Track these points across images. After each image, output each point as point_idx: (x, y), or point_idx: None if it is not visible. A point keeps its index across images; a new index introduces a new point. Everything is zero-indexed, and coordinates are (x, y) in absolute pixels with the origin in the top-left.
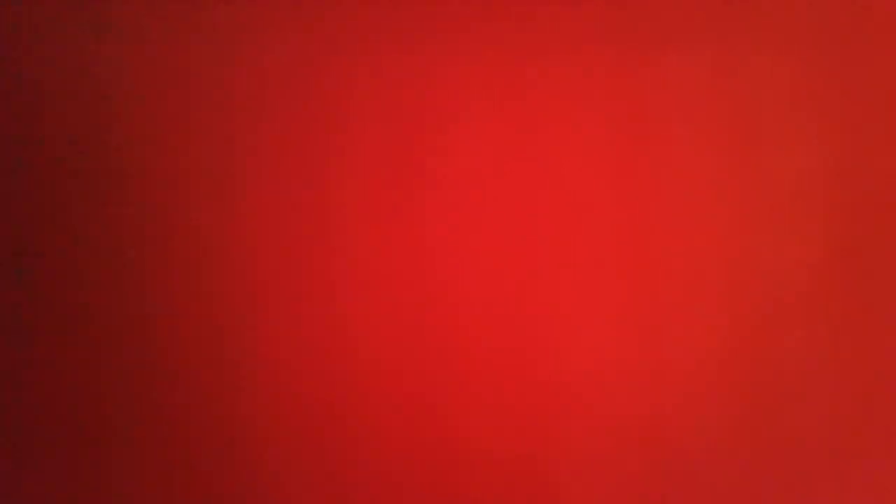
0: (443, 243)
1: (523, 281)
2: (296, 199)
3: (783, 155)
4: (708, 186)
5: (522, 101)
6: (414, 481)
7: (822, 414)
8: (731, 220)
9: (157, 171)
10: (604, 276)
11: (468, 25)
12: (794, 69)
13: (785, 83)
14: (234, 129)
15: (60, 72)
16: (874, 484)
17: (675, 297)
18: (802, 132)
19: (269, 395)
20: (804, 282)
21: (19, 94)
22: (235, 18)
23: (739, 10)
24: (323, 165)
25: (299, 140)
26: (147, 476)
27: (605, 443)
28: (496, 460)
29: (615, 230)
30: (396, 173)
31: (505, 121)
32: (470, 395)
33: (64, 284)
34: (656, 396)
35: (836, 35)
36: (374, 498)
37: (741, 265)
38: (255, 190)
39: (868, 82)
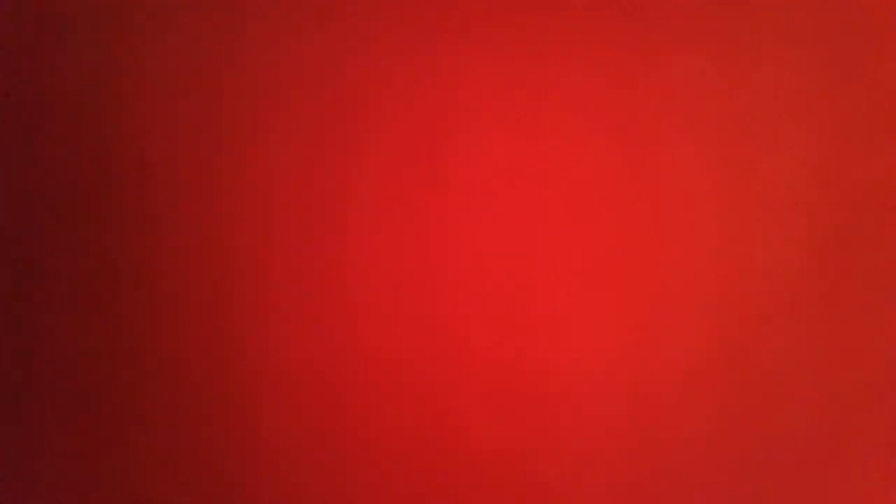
0: (449, 245)
1: (524, 280)
2: (306, 200)
3: (781, 158)
4: (709, 189)
5: (528, 104)
6: (414, 477)
7: (814, 412)
8: (728, 222)
9: (171, 167)
10: (600, 275)
11: (478, 30)
12: (794, 72)
13: (784, 86)
14: (249, 127)
15: (70, 67)
16: (865, 483)
17: (671, 297)
18: (802, 135)
19: (276, 392)
20: (799, 282)
21: (21, 93)
22: (254, 15)
23: (740, 13)
24: (334, 165)
25: (311, 139)
26: (154, 475)
27: (598, 440)
28: (495, 457)
29: (614, 230)
30: (404, 176)
31: (511, 123)
32: (472, 393)
33: (73, 279)
34: (649, 394)
35: (835, 39)
36: (376, 491)
37: (738, 266)
38: (268, 188)
39: (867, 86)
